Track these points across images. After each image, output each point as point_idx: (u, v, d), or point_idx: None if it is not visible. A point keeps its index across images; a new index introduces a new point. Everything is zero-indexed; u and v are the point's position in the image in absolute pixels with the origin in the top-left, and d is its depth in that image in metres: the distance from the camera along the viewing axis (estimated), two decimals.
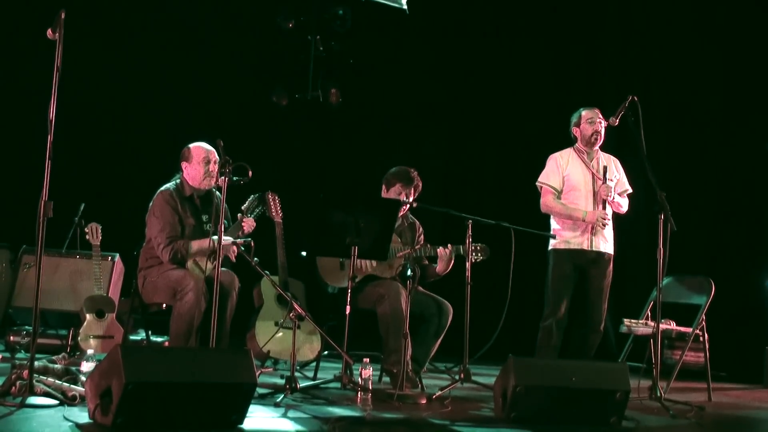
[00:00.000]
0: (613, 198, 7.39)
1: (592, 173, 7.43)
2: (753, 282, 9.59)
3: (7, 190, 9.38)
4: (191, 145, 6.90)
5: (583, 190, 7.41)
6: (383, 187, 7.32)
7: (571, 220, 7.39)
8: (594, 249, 7.37)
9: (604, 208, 7.35)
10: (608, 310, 7.68)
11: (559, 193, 7.47)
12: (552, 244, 7.47)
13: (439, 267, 7.13)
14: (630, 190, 7.63)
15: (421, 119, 11.37)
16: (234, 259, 6.66)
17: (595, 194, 7.40)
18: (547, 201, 7.49)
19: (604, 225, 7.33)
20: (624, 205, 7.56)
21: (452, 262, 7.07)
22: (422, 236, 7.50)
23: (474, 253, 6.89)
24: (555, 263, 7.44)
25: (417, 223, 7.51)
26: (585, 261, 7.39)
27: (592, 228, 7.34)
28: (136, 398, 4.44)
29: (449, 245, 7.00)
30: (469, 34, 11.36)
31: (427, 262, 7.22)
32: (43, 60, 5.80)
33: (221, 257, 6.01)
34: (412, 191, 7.26)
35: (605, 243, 7.43)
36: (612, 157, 7.63)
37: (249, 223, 6.81)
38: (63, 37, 5.29)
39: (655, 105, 9.64)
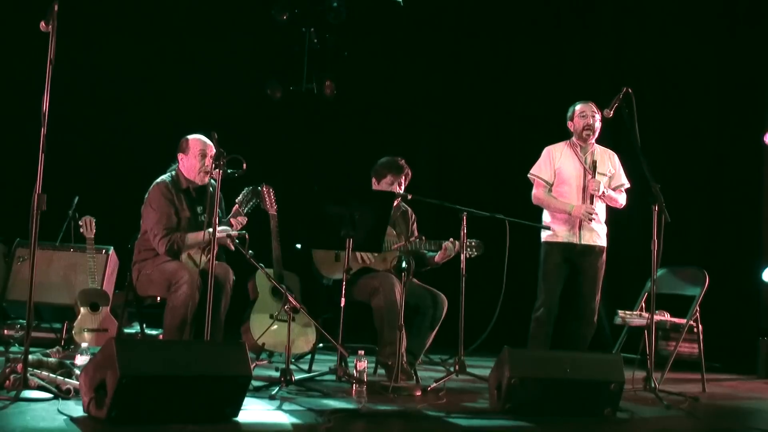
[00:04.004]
0: (603, 193, 7.39)
1: (584, 168, 7.43)
2: (747, 273, 9.61)
3: (0, 184, 9.36)
4: (190, 137, 6.89)
5: (574, 184, 7.42)
6: (373, 179, 7.31)
7: (561, 213, 7.40)
8: (582, 242, 7.39)
9: (592, 202, 7.36)
10: (603, 301, 7.70)
11: (550, 186, 7.48)
12: (544, 236, 7.49)
13: (437, 257, 7.14)
14: (627, 185, 7.62)
15: (415, 111, 11.36)
16: (233, 248, 6.63)
17: (584, 188, 7.40)
18: (537, 193, 7.52)
19: (590, 219, 7.33)
20: (620, 199, 7.56)
21: (452, 255, 7.08)
22: (415, 224, 7.51)
23: (468, 249, 6.90)
24: (546, 255, 7.47)
25: (410, 210, 7.51)
26: (575, 253, 7.41)
27: (580, 222, 7.34)
28: (131, 391, 4.44)
29: (451, 239, 7.01)
30: (464, 26, 11.36)
31: (424, 251, 7.22)
32: (36, 52, 5.78)
33: (216, 249, 6.01)
34: (403, 180, 7.26)
35: (596, 236, 7.44)
36: (609, 151, 7.63)
37: (238, 221, 6.78)
38: (56, 29, 5.28)
39: (650, 96, 9.64)
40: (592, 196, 7.36)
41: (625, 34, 10.66)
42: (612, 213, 7.66)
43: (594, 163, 7.40)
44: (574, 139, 7.52)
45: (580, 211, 7.30)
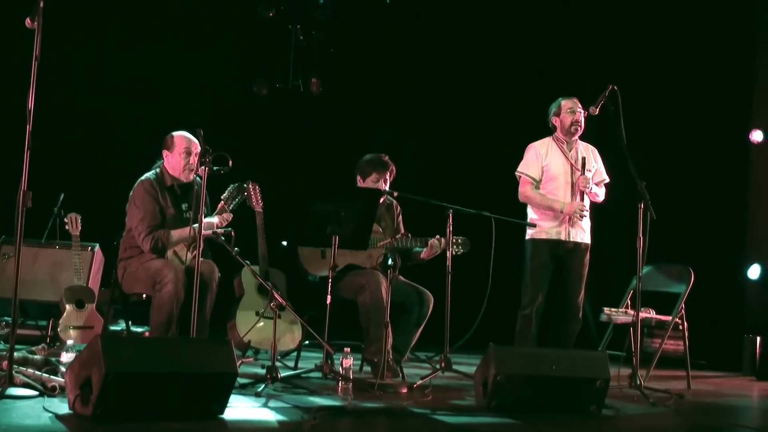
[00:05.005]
0: (591, 189, 7.40)
1: (571, 164, 7.43)
2: (732, 270, 9.63)
3: None
4: (175, 134, 6.87)
5: (562, 181, 7.40)
6: (358, 177, 7.31)
7: (549, 211, 7.39)
8: (571, 239, 7.37)
9: (582, 199, 7.36)
10: (588, 298, 7.71)
11: (537, 183, 7.46)
12: (530, 233, 7.48)
13: (424, 254, 7.14)
14: (607, 180, 7.63)
15: (401, 108, 11.37)
16: (219, 230, 6.63)
17: (573, 185, 7.39)
18: (525, 191, 7.48)
19: (581, 216, 7.33)
20: (601, 194, 7.56)
21: (438, 252, 7.08)
22: (401, 217, 7.51)
23: (455, 246, 6.90)
24: (533, 252, 7.43)
25: (395, 203, 7.49)
26: (562, 251, 7.40)
27: (570, 219, 7.34)
28: (116, 389, 4.44)
29: (438, 236, 7.01)
30: (450, 24, 11.36)
31: (409, 246, 7.21)
32: (21, 49, 5.77)
33: (201, 247, 6.00)
34: (388, 176, 7.26)
35: (582, 233, 7.43)
36: (590, 146, 7.63)
37: (223, 218, 6.77)
38: (41, 25, 5.27)
39: (635, 94, 9.65)
40: (582, 193, 7.36)
41: (610, 31, 10.67)
42: (598, 210, 7.67)
43: (583, 159, 7.40)
44: (558, 135, 7.51)
45: (572, 208, 7.29)
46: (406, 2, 11.14)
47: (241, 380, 5.70)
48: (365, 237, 6.67)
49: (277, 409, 5.27)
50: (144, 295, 6.72)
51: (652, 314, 7.73)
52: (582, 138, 7.55)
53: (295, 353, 7.25)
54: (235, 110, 10.89)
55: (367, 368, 7.03)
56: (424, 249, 7.12)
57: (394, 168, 7.30)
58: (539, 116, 7.67)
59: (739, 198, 9.77)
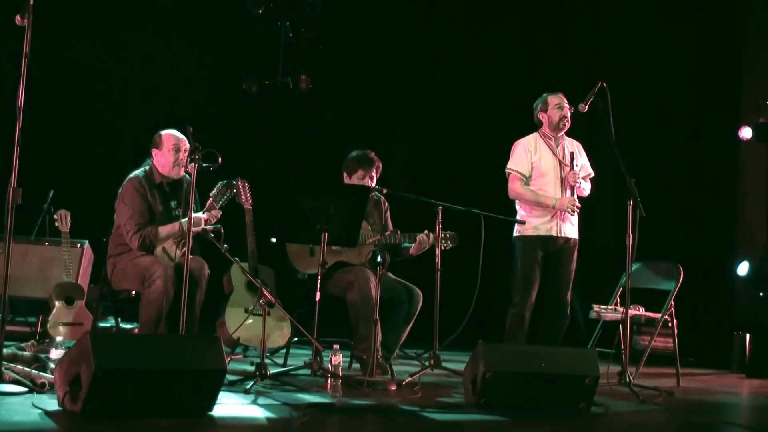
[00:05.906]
0: (579, 184, 7.39)
1: (559, 159, 7.42)
2: (721, 268, 9.65)
3: None
4: (163, 132, 6.87)
5: (551, 177, 7.38)
6: (344, 174, 7.31)
7: (539, 207, 7.38)
8: (562, 235, 7.36)
9: (572, 194, 7.35)
10: (578, 296, 7.73)
11: (527, 180, 7.45)
12: (519, 230, 7.46)
13: (413, 249, 7.13)
14: (592, 174, 7.62)
15: (390, 105, 11.36)
16: (208, 227, 6.62)
17: (562, 180, 7.38)
18: (515, 187, 7.46)
19: (573, 211, 7.33)
20: (587, 189, 7.56)
21: (426, 248, 7.08)
22: (389, 213, 7.50)
23: (443, 241, 6.90)
24: (524, 250, 7.41)
25: (382, 199, 7.46)
26: (553, 247, 7.38)
27: (561, 214, 7.33)
28: (106, 385, 4.43)
29: (426, 231, 7.00)
30: (439, 20, 11.37)
31: (398, 242, 7.20)
32: (11, 46, 5.76)
33: (191, 243, 6.00)
34: (374, 173, 7.25)
35: (572, 229, 7.43)
36: (575, 141, 7.62)
37: (212, 215, 6.76)
38: (32, 22, 5.26)
39: (625, 91, 9.66)
40: (572, 188, 7.35)
41: (600, 28, 10.69)
42: (587, 207, 7.67)
43: (572, 155, 7.40)
44: (545, 130, 7.48)
45: (564, 203, 7.28)
46: None
47: (230, 377, 5.70)
48: (354, 234, 6.66)
49: (266, 406, 5.27)
50: (133, 292, 6.72)
51: (641, 311, 7.74)
52: (570, 134, 7.55)
53: (284, 350, 7.25)
54: (225, 107, 10.87)
55: (356, 365, 7.03)
56: (413, 245, 7.12)
57: (380, 164, 7.29)
58: (529, 113, 7.66)
59: (729, 195, 9.81)
